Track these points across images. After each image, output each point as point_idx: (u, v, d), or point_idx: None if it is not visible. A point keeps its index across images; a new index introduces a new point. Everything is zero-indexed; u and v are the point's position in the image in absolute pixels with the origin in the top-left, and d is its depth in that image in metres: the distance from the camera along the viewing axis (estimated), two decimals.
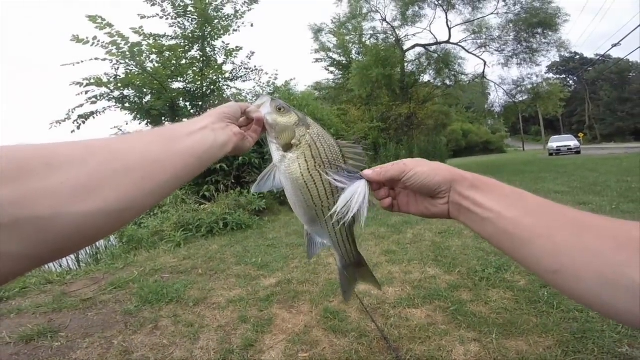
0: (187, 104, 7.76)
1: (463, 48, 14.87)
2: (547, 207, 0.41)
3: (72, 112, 6.68)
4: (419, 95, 15.53)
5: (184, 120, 7.32)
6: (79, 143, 0.34)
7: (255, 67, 8.43)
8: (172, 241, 4.42)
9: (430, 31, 15.34)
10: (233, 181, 6.32)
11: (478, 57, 14.95)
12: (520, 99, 15.49)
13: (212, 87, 7.79)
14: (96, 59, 6.40)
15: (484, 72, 15.37)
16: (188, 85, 7.62)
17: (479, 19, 14.11)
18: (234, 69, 8.24)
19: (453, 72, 14.95)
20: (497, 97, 16.47)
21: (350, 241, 0.62)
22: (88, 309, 2.44)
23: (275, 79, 8.93)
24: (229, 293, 2.59)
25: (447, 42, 14.82)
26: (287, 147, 0.59)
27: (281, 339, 1.90)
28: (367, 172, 0.56)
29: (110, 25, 5.98)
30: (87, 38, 5.99)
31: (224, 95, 7.92)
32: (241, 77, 8.41)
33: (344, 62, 17.37)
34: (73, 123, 6.71)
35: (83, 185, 0.30)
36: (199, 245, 4.30)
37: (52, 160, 0.30)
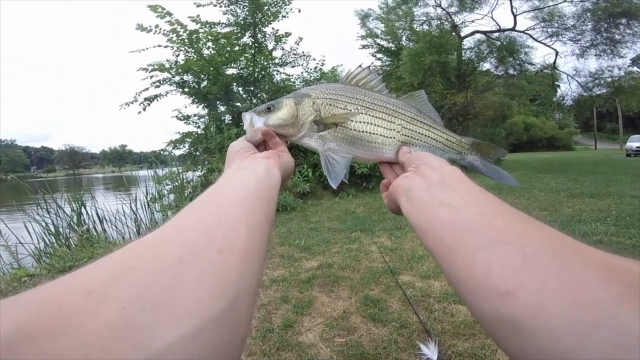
0: (240, 89, 8.15)
1: (531, 36, 13.49)
2: (528, 219, 0.32)
3: (139, 95, 7.43)
4: (477, 84, 14.52)
5: (238, 104, 7.72)
6: (118, 252, 0.25)
7: (303, 53, 8.53)
8: None
9: (492, 17, 14.05)
10: None
11: (549, 46, 13.48)
12: (597, 92, 13.84)
13: (263, 72, 8.02)
14: (159, 45, 6.96)
15: (555, 62, 13.88)
16: (241, 71, 7.95)
17: (549, 6, 12.70)
18: (283, 54, 8.42)
19: (518, 61, 13.70)
20: (569, 89, 14.84)
21: (443, 132, 0.59)
22: None
23: (322, 64, 8.88)
24: (273, 273, 2.67)
25: (512, 29, 13.56)
26: (315, 128, 0.54)
27: (319, 322, 1.92)
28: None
29: (169, 14, 6.41)
30: (150, 26, 6.51)
31: (274, 81, 8.11)
32: (290, 62, 8.57)
33: (392, 48, 16.66)
34: (139, 105, 7.50)
35: (147, 305, 0.21)
36: None
37: (94, 285, 0.21)
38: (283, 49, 8.31)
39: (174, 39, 6.79)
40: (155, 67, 7.10)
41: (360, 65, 0.59)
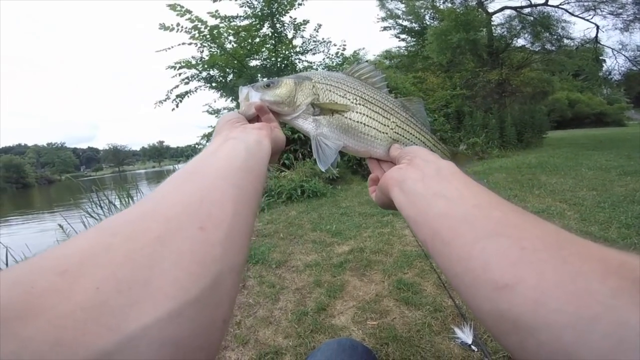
0: (265, 79, 8.23)
1: (567, 11, 12.40)
2: (525, 212, 0.31)
3: (171, 93, 7.77)
4: (512, 60, 13.64)
5: None
6: (93, 229, 0.24)
7: (323, 39, 8.47)
8: None
9: None
10: (309, 149, 6.54)
11: (588, 20, 12.36)
12: None
13: (286, 61, 8.10)
14: (183, 43, 7.19)
15: (597, 36, 12.73)
16: (264, 62, 8.10)
17: None
18: (303, 42, 8.41)
19: (555, 36, 12.68)
20: (615, 63, 13.58)
21: (431, 137, 0.61)
22: None
23: (344, 49, 8.73)
24: (306, 257, 2.72)
25: (545, 4, 12.51)
26: (311, 110, 0.54)
27: (351, 305, 1.93)
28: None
29: (189, 12, 6.56)
30: (172, 25, 6.70)
31: (297, 69, 8.16)
32: (311, 50, 8.54)
33: (416, 28, 15.92)
34: (172, 102, 7.85)
35: (122, 286, 0.20)
36: (280, 210, 4.60)
37: (67, 265, 0.20)
38: (303, 37, 8.29)
39: (196, 35, 6.96)
40: (182, 64, 7.35)
41: (367, 61, 0.61)
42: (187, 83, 7.68)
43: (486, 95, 12.45)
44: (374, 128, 0.55)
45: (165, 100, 7.81)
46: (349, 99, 0.55)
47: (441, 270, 0.31)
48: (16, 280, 0.19)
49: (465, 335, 1.43)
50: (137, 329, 0.18)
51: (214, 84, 7.97)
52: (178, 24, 6.70)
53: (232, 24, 7.33)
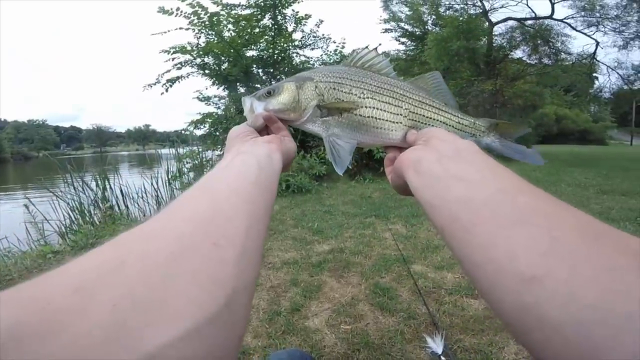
0: (260, 70, 8.18)
1: (569, 25, 12.62)
2: (555, 199, 0.28)
3: (161, 77, 7.63)
4: (508, 71, 13.88)
5: (257, 85, 7.76)
6: (108, 245, 0.24)
7: (323, 35, 8.42)
8: None
9: (527, 4, 13.22)
10: (298, 144, 6.46)
11: (589, 36, 12.61)
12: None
13: (283, 54, 8.00)
14: (180, 28, 7.04)
15: (595, 53, 13.00)
16: (261, 53, 7.97)
17: None
18: (303, 37, 8.33)
19: (554, 50, 12.93)
20: (608, 81, 13.91)
21: (457, 114, 0.56)
22: None
23: (343, 47, 8.68)
24: (285, 254, 2.68)
25: (550, 17, 12.69)
26: (318, 113, 0.52)
27: (326, 307, 1.91)
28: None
29: None
30: (171, 9, 6.57)
31: (293, 63, 8.09)
32: (310, 45, 8.49)
33: (417, 33, 16.02)
34: (162, 86, 7.70)
35: (138, 304, 0.19)
36: None
37: (82, 282, 0.20)
38: (303, 31, 8.22)
39: (195, 21, 6.84)
40: (177, 49, 7.22)
41: (367, 47, 0.55)
42: (179, 68, 7.56)
43: (478, 104, 12.63)
44: (387, 120, 0.52)
45: (155, 84, 7.69)
46: (356, 94, 0.51)
47: (459, 260, 0.29)
48: (32, 296, 0.19)
49: (436, 345, 1.42)
50: (154, 349, 0.18)
51: (207, 71, 7.84)
52: (178, 8, 6.58)
53: (232, 12, 7.23)
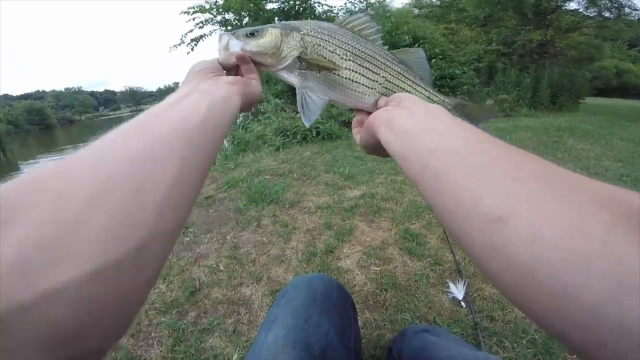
0: (248, 27, 7.87)
1: None
2: (515, 147, 0.29)
3: (185, 37, 7.72)
4: (561, 22, 11.96)
5: None
6: (28, 178, 0.23)
7: None
8: (272, 145, 4.89)
9: None
10: None
11: None
12: None
13: (304, 5, 7.52)
14: None
15: None
16: (282, 5, 7.60)
17: None
18: None
19: (616, 4, 10.76)
20: None
21: (426, 87, 0.59)
22: (209, 206, 2.90)
23: None
24: (318, 199, 2.82)
25: None
26: (297, 64, 0.52)
27: (358, 250, 2.07)
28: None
29: None
30: None
31: (315, 13, 7.55)
32: None
33: None
34: (187, 46, 7.78)
35: (44, 245, 0.20)
36: (294, 150, 4.63)
37: None
38: None
39: None
40: (196, 9, 7.15)
41: (363, 11, 0.55)
42: (201, 27, 7.55)
43: (524, 54, 11.25)
44: (363, 84, 0.54)
45: (180, 45, 7.78)
46: (338, 54, 0.52)
47: (431, 206, 0.31)
48: None
49: (458, 291, 1.54)
50: (55, 286, 0.19)
51: (229, 28, 7.62)
52: None
53: None
